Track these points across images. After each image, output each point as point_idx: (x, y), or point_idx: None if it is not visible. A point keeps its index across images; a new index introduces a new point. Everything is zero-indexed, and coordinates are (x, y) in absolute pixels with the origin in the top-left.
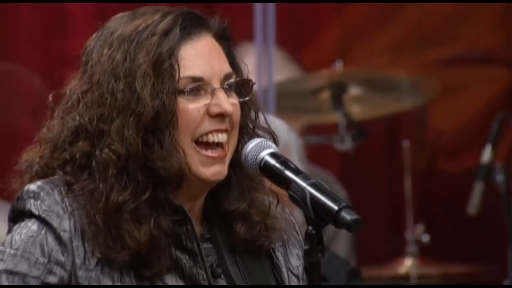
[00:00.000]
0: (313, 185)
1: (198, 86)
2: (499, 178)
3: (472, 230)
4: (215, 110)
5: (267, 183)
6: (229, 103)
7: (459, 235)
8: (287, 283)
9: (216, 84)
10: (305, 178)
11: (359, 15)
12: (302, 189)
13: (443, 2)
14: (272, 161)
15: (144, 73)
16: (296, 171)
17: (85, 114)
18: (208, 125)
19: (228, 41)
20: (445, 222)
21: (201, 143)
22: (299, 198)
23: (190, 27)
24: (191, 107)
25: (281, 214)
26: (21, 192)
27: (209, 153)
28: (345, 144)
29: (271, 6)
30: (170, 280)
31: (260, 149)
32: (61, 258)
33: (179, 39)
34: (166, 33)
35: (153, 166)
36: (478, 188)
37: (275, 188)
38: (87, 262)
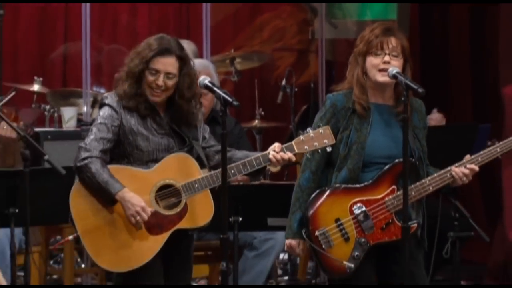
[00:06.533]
0: (224, 92)
1: (157, 73)
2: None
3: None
4: (157, 82)
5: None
6: (162, 81)
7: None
8: (206, 135)
9: (163, 73)
10: (221, 89)
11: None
12: (220, 94)
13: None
14: (209, 84)
15: (141, 65)
16: (218, 88)
17: (126, 73)
18: (155, 86)
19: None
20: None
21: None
22: (219, 97)
23: (162, 51)
24: (151, 79)
25: (199, 109)
26: (103, 97)
27: (154, 92)
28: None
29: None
30: (149, 121)
31: (204, 80)
32: (117, 116)
33: (154, 55)
34: (154, 52)
35: (141, 93)
36: None
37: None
38: (127, 116)
